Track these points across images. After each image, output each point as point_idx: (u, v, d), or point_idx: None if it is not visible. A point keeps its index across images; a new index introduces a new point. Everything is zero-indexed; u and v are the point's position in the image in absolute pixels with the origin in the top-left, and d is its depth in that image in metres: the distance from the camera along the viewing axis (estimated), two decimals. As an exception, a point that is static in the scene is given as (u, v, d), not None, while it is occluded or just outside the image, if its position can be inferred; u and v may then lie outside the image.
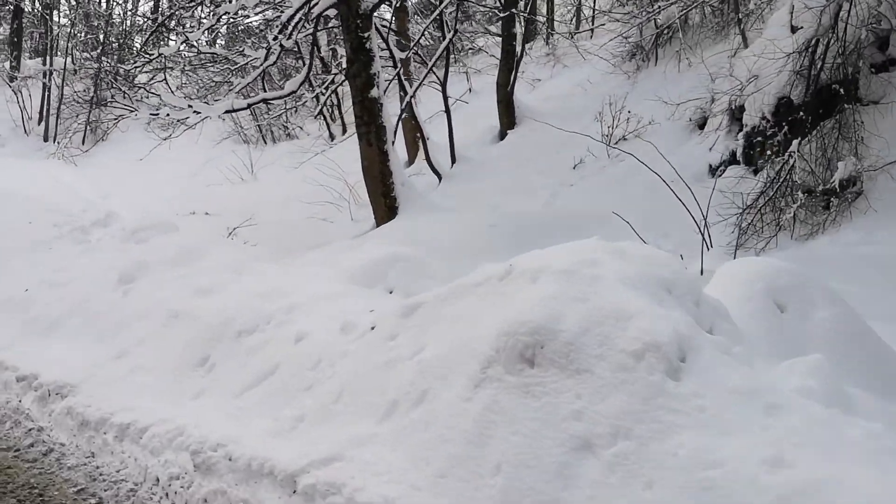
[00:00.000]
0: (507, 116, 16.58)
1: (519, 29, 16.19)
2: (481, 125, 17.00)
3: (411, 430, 4.13)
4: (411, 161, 16.76)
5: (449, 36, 15.16)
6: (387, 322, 4.82)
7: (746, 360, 4.09)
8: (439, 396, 4.15)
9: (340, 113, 19.01)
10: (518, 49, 16.28)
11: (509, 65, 16.36)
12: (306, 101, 19.45)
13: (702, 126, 13.23)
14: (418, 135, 16.34)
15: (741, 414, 3.53)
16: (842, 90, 9.76)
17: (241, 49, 13.63)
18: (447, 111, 15.27)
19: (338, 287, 5.76)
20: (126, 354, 6.09)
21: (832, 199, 9.37)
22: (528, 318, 4.04)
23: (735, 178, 11.26)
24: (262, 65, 12.06)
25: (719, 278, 5.13)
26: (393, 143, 12.29)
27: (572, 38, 18.92)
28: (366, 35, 11.78)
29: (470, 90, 19.11)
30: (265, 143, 19.83)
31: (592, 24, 19.49)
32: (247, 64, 13.38)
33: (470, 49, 20.54)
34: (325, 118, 18.69)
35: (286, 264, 6.89)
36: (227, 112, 11.26)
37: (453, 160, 15.53)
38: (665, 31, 16.19)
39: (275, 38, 11.89)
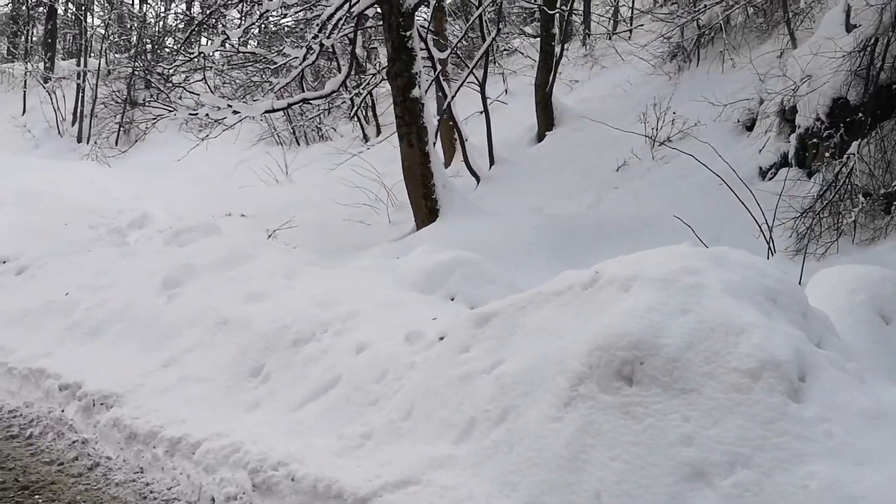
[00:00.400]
0: (546, 118, 16.18)
1: (557, 29, 15.75)
2: (519, 126, 16.61)
3: (493, 451, 3.75)
4: (448, 163, 16.40)
5: (491, 36, 14.79)
6: (457, 332, 4.43)
7: (861, 378, 3.68)
8: (524, 415, 3.77)
9: (375, 114, 18.68)
10: (557, 49, 15.85)
11: (548, 65, 15.97)
12: (341, 103, 19.20)
13: (750, 128, 12.78)
14: (455, 136, 16.00)
15: (875, 441, 3.13)
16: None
17: (280, 48, 13.29)
18: (486, 112, 14.90)
19: (395, 293, 5.38)
20: (174, 363, 5.73)
21: (894, 202, 8.89)
22: (625, 332, 3.64)
23: (788, 181, 10.79)
24: (300, 64, 11.75)
25: (816, 287, 4.72)
26: (434, 144, 11.93)
27: (610, 38, 18.50)
28: (407, 34, 11.44)
29: (506, 91, 18.71)
30: (298, 144, 19.54)
31: (631, 25, 19.03)
32: (285, 64, 13.05)
33: (505, 50, 20.16)
34: (359, 120, 18.35)
35: (337, 268, 6.53)
36: (266, 112, 10.95)
37: (491, 162, 15.16)
38: (707, 32, 15.72)
39: (314, 37, 11.58)
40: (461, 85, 14.35)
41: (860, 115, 9.63)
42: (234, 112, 10.56)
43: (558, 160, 14.74)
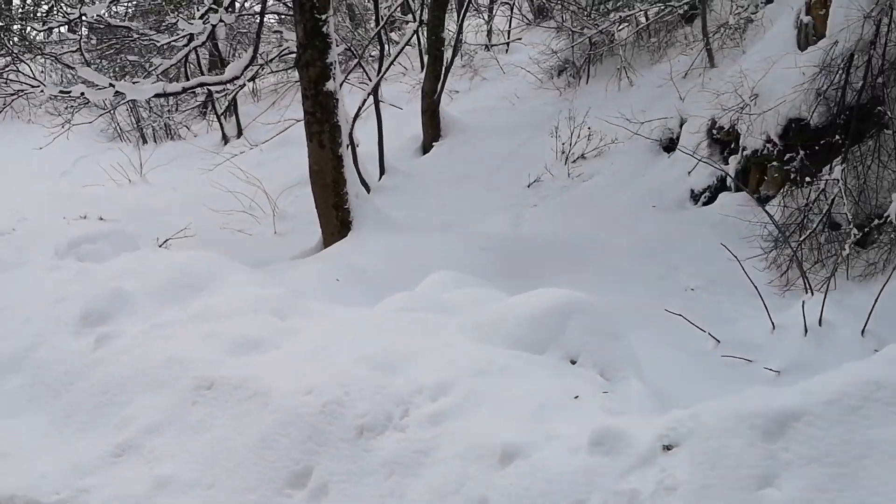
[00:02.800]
0: (433, 128, 14.46)
1: (448, 33, 14.07)
2: (399, 135, 14.73)
3: None
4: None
5: (378, 27, 12.85)
6: (719, 442, 2.55)
7: None
8: None
9: (237, 113, 16.20)
10: (447, 55, 14.15)
11: (436, 71, 14.24)
12: (190, 99, 16.62)
13: (667, 148, 11.63)
14: (337, 141, 13.93)
15: None
16: (886, 111, 8.30)
17: (169, 23, 10.72)
18: (378, 117, 12.94)
19: (484, 350, 3.45)
20: (133, 451, 3.48)
21: (887, 234, 7.84)
22: None
23: (733, 207, 9.65)
24: (188, 44, 9.38)
25: None
26: (348, 146, 9.91)
27: (488, 49, 17.06)
28: (323, 17, 9.41)
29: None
30: (145, 142, 16.66)
31: (508, 38, 17.68)
32: (169, 43, 10.54)
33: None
34: (218, 118, 15.83)
35: (344, 304, 4.48)
36: (157, 96, 8.53)
37: (382, 171, 13.22)
38: (600, 47, 14.57)
39: (205, 13, 9.25)
40: (380, 76, 12.27)
41: (837, 137, 8.57)
42: (118, 93, 8.07)
43: (455, 173, 13.03)
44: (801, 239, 8.12)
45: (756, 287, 6.92)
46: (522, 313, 3.64)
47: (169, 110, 16.75)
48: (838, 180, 8.05)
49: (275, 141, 14.28)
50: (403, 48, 12.77)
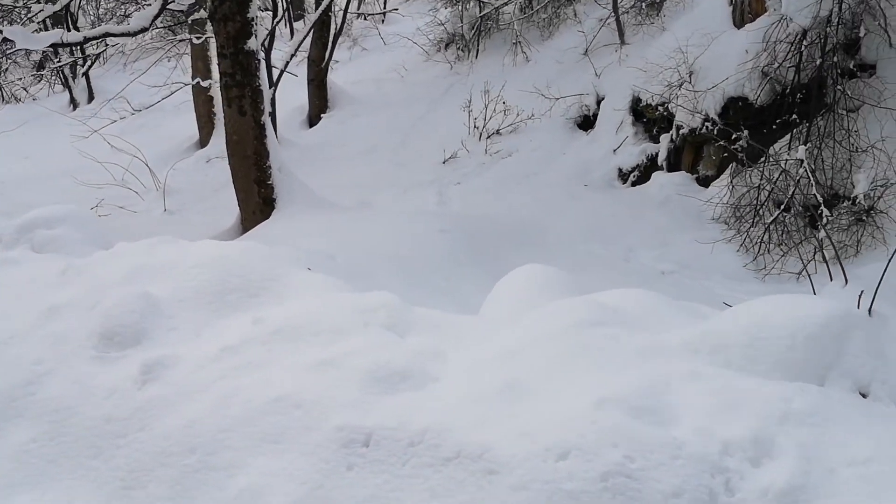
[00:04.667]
0: (320, 98, 13.14)
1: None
2: (285, 106, 13.25)
3: None
4: (204, 143, 12.60)
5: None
6: None
7: None
8: None
9: (87, 76, 14.00)
10: (338, 20, 12.81)
11: (324, 38, 12.89)
12: (21, 57, 14.27)
13: (581, 125, 11.02)
14: (215, 109, 12.33)
15: None
16: (842, 90, 8.03)
17: None
18: (274, 85, 11.44)
19: (770, 388, 2.44)
20: None
21: (859, 215, 7.56)
22: None
23: (672, 186, 9.18)
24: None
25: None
26: (270, 113, 8.52)
27: (365, 19, 15.80)
28: (244, -36, 7.95)
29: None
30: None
31: (384, 8, 16.46)
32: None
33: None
34: (65, 81, 13.60)
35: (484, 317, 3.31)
36: (53, 46, 6.76)
37: (273, 144, 11.69)
38: (487, 21, 13.74)
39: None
40: (297, 47, 10.75)
41: (794, 115, 8.21)
42: (5, 40, 6.30)
43: (353, 147, 11.82)
44: (773, 219, 7.69)
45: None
46: (793, 330, 2.69)
47: (3, 69, 14.24)
48: (802, 160, 7.65)
49: (130, 109, 12.40)
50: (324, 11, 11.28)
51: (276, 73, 11.34)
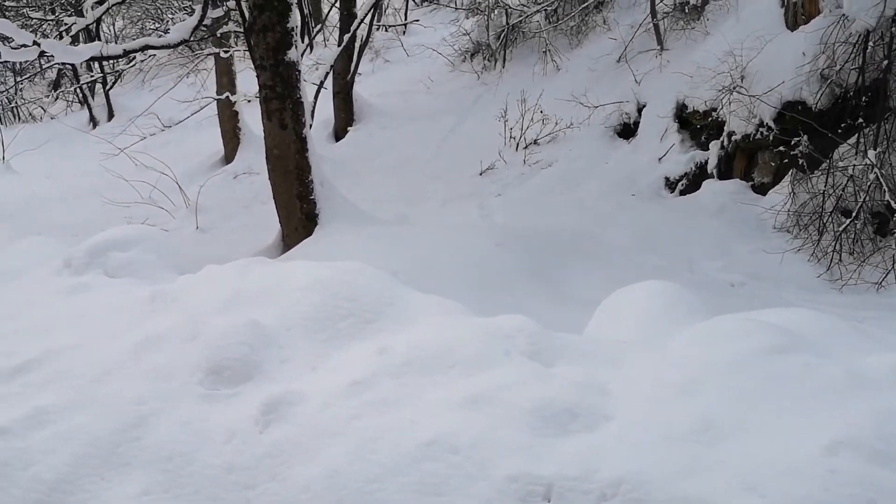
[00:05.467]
0: (346, 111, 12.82)
1: (362, 7, 12.43)
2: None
3: None
4: (230, 158, 12.28)
5: None
6: None
7: None
8: None
9: (107, 93, 13.70)
10: (363, 31, 12.50)
11: (349, 49, 12.56)
12: (36, 74, 13.98)
13: (622, 133, 10.69)
14: (240, 124, 12.03)
15: None
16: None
17: None
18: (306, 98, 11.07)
19: None
20: None
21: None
22: None
23: (726, 195, 8.83)
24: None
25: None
26: (311, 127, 8.20)
27: (386, 30, 15.52)
28: (283, -29, 7.66)
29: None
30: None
31: (405, 20, 16.18)
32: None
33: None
34: (85, 99, 13.29)
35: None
36: (92, 59, 6.43)
37: (302, 158, 11.37)
38: (516, 28, 13.44)
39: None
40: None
41: (860, 119, 7.87)
42: (42, 54, 5.97)
43: (384, 160, 11.49)
44: (843, 227, 7.34)
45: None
46: None
47: (18, 86, 13.93)
48: (874, 165, 7.31)
49: (160, 125, 12.13)
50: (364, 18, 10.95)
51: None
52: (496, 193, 9.68)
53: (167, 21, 13.19)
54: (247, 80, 13.27)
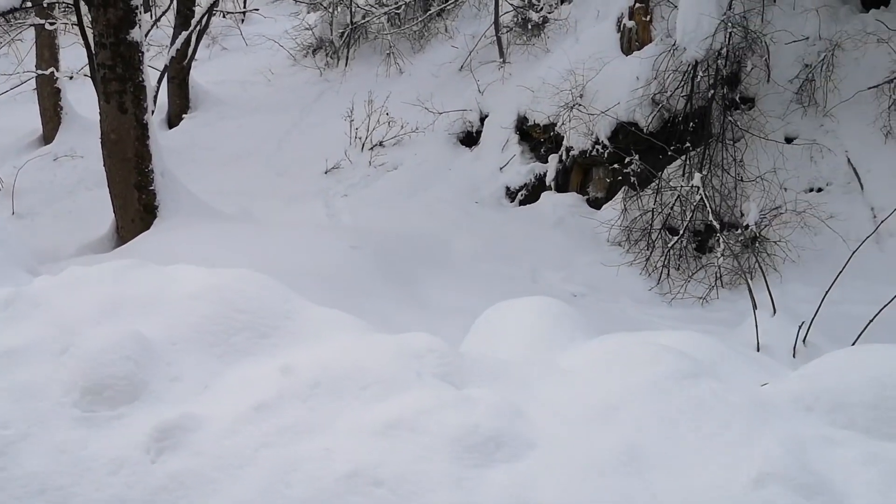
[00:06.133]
0: (181, 98, 12.13)
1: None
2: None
3: None
4: (49, 138, 11.27)
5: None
6: None
7: None
8: None
9: None
10: (202, 14, 11.86)
11: (186, 31, 11.87)
12: None
13: (464, 141, 10.78)
14: (61, 102, 11.10)
15: None
16: (732, 120, 8.25)
17: None
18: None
19: None
20: None
21: (747, 242, 7.73)
22: None
23: (564, 207, 9.11)
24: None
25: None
26: (152, 112, 7.66)
27: (224, 16, 14.84)
28: (128, -57, 7.15)
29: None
30: None
31: (245, 7, 15.53)
32: None
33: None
34: None
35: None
36: None
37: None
38: (359, 27, 13.26)
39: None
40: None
41: (687, 143, 8.33)
42: None
43: (223, 152, 10.98)
44: (671, 245, 7.73)
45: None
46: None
47: None
48: (699, 187, 7.76)
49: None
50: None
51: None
52: (342, 193, 9.47)
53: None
54: (70, 56, 12.27)
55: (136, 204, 7.32)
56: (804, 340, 5.41)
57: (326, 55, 13.27)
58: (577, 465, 2.16)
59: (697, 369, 2.57)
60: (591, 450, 2.22)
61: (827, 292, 5.19)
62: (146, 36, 7.35)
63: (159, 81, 8.95)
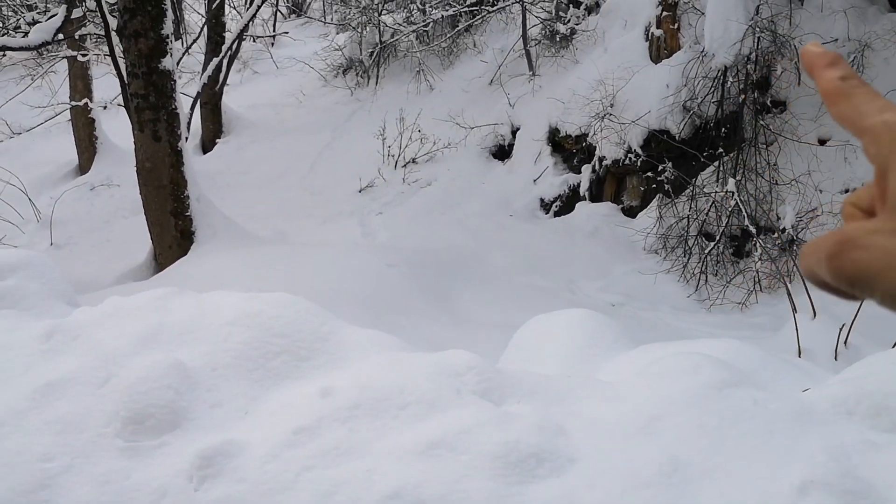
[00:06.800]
0: (214, 123, 12.28)
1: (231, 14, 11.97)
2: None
3: None
4: (85, 169, 11.47)
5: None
6: None
7: None
8: None
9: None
10: (232, 40, 12.03)
11: (217, 58, 12.05)
12: None
13: (496, 155, 10.77)
14: (96, 132, 11.30)
15: None
16: (764, 124, 8.14)
17: None
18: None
19: None
20: None
21: (784, 245, 7.60)
22: None
23: (598, 217, 9.05)
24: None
25: None
26: (186, 139, 7.77)
27: (254, 41, 15.02)
28: (157, -26, 7.28)
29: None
30: None
31: (274, 31, 15.71)
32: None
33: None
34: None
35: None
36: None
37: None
38: (389, 46, 13.34)
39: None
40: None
41: (720, 149, 8.24)
42: None
43: (257, 175, 11.08)
44: (707, 251, 7.63)
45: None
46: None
47: None
48: (733, 193, 7.66)
49: (8, 131, 11.20)
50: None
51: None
52: (377, 212, 9.50)
53: (10, 19, 12.20)
54: (103, 86, 12.48)
55: (172, 230, 7.40)
56: (845, 342, 5.29)
57: (357, 75, 13.37)
58: (619, 478, 2.13)
59: (738, 378, 2.53)
60: (633, 463, 2.18)
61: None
62: (178, 64, 7.43)
63: (192, 108, 9.06)
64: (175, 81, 7.40)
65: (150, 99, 7.27)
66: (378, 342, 2.82)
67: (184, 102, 7.69)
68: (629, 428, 2.35)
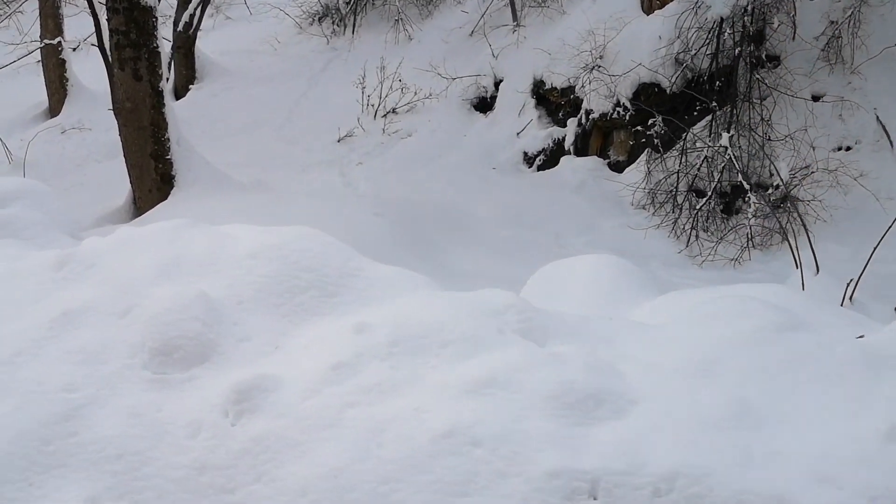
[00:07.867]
0: (187, 68, 11.89)
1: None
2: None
3: None
4: (55, 111, 11.07)
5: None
6: None
7: None
8: None
9: None
10: (205, -17, 11.58)
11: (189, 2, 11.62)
12: None
13: (478, 107, 10.59)
14: (67, 73, 10.89)
15: None
16: (759, 78, 8.08)
17: None
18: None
19: None
20: None
21: (777, 202, 7.59)
22: None
23: (584, 171, 8.95)
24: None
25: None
26: (167, 79, 7.48)
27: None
28: None
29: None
30: None
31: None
32: None
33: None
34: None
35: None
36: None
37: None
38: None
39: None
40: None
41: (713, 103, 8.16)
42: None
43: (235, 123, 10.80)
44: (700, 206, 7.59)
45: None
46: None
47: None
48: (727, 148, 7.61)
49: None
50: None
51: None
52: (357, 161, 9.31)
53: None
54: (73, 26, 12.00)
55: (152, 174, 7.16)
56: (851, 298, 5.27)
57: (333, 23, 13.02)
58: (687, 420, 2.04)
59: (794, 321, 2.45)
60: (698, 404, 2.09)
61: (875, 248, 5.06)
62: (158, 1, 7.13)
63: (172, 50, 8.74)
64: (156, 19, 7.12)
65: (130, 36, 6.97)
66: (410, 280, 2.69)
67: (164, 44, 7.38)
68: (688, 369, 2.25)
